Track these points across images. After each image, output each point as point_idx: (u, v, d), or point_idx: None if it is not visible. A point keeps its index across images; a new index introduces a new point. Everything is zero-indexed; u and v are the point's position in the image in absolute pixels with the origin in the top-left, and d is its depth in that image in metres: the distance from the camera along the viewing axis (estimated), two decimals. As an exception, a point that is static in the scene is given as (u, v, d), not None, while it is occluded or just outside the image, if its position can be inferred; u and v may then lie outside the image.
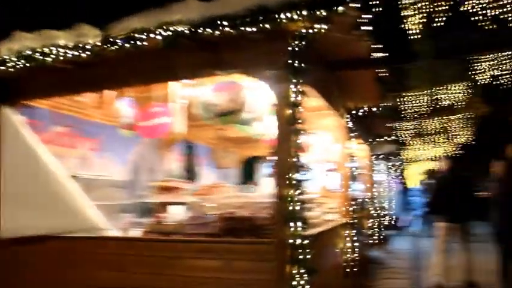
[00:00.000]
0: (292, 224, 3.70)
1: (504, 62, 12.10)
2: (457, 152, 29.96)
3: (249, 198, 4.72)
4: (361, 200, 10.24)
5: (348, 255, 7.05)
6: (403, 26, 8.78)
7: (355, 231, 7.13)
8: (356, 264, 7.33)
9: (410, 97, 16.87)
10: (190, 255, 4.20)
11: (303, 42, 3.96)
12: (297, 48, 3.94)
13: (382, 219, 14.03)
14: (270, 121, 5.83)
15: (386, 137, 10.72)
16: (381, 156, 13.61)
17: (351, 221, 7.13)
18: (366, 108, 7.42)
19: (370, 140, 10.60)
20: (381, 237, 12.73)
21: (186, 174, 8.29)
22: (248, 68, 4.18)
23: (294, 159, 3.81)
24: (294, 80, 3.90)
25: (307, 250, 3.72)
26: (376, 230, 12.31)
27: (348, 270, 6.96)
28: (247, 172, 9.51)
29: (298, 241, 3.69)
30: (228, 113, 4.80)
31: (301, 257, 3.70)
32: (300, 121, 3.87)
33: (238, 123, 5.28)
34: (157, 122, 5.29)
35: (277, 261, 3.76)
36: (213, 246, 4.14)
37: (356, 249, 7.14)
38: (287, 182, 3.78)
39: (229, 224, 4.19)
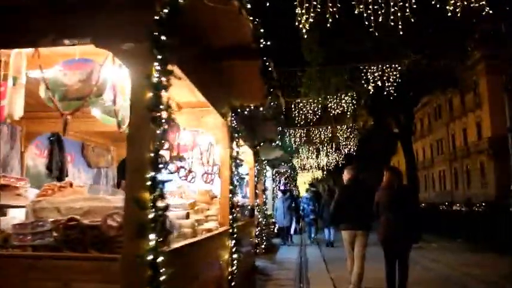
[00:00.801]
0: (149, 237, 2.91)
1: (389, 72, 12.37)
2: (344, 162, 31.04)
3: (104, 202, 3.82)
4: (247, 207, 9.72)
5: (230, 267, 6.42)
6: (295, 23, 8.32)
7: (235, 240, 6.50)
8: (238, 277, 6.72)
9: (300, 103, 16.80)
10: (15, 273, 3.24)
11: (173, 12, 3.22)
12: (165, 19, 3.19)
13: (270, 227, 13.71)
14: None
15: (274, 142, 10.31)
16: (267, 162, 13.23)
17: (232, 230, 6.50)
18: (252, 108, 6.82)
19: (256, 143, 10.13)
20: (268, 246, 12.34)
21: (50, 172, 7.17)
22: (102, 38, 3.32)
23: (153, 154, 3.02)
24: (160, 57, 3.13)
25: (165, 269, 2.96)
26: (264, 238, 11.90)
27: (230, 283, 6.32)
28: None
29: (155, 257, 2.91)
30: (81, 98, 3.86)
31: (160, 277, 2.93)
32: (162, 108, 3.10)
33: (101, 111, 4.35)
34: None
35: (125, 283, 2.94)
36: (45, 263, 3.21)
37: (237, 260, 6.51)
38: (142, 182, 2.98)
39: (70, 234, 3.27)
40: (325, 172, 40.65)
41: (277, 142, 10.25)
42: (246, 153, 10.04)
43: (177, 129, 6.10)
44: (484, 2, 8.39)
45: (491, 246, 12.64)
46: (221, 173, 6.75)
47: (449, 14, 8.39)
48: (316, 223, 16.75)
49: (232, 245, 6.49)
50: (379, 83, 12.41)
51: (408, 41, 12.47)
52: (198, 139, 7.45)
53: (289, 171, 21.21)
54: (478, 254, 12.27)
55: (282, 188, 16.62)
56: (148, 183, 2.97)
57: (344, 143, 25.49)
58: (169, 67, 3.23)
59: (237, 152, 6.74)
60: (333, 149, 28.24)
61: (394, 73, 12.40)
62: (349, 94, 15.85)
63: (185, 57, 4.03)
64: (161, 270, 2.92)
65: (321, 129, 22.24)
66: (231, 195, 6.57)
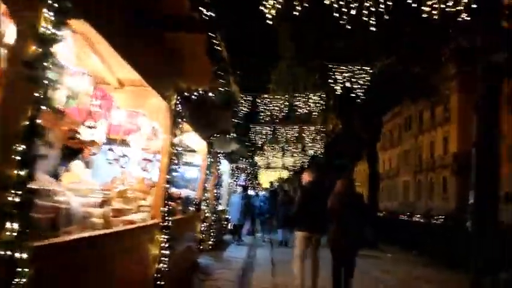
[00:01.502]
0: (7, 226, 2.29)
1: (359, 74, 11.90)
2: (308, 164, 30.65)
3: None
4: (192, 200, 9.12)
5: (158, 264, 5.81)
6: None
7: (167, 235, 5.90)
8: (169, 275, 6.13)
9: (267, 99, 16.24)
10: None
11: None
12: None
13: (222, 223, 13.11)
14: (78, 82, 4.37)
15: (229, 134, 9.72)
16: (225, 156, 12.63)
17: (165, 223, 5.90)
18: (201, 92, 6.21)
19: (210, 134, 9.54)
20: (217, 243, 11.75)
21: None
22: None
23: (27, 123, 2.39)
24: (51, 2, 2.50)
25: (28, 268, 2.34)
26: (212, 234, 11.31)
27: (157, 281, 5.72)
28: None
29: (13, 253, 2.29)
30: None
31: (19, 278, 2.31)
32: (46, 66, 2.47)
33: None
34: None
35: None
36: None
37: (168, 257, 5.91)
38: (8, 156, 2.35)
39: None
40: (291, 172, 40.34)
41: (232, 134, 9.67)
42: (197, 143, 9.46)
43: (109, 105, 5.44)
44: (461, 7, 7.98)
45: (445, 262, 12.34)
46: (163, 161, 6.12)
47: (425, 16, 7.94)
48: (271, 222, 16.49)
49: (163, 240, 5.89)
50: (348, 84, 11.91)
51: (381, 42, 12.07)
52: (140, 122, 6.80)
53: (249, 167, 20.59)
54: (430, 268, 11.95)
55: (242, 183, 15.97)
56: (18, 158, 2.34)
57: (310, 144, 25.06)
58: (68, 17, 2.62)
59: (180, 140, 6.15)
60: (299, 150, 27.78)
61: (365, 76, 11.95)
62: (317, 94, 15.37)
63: (109, 20, 3.42)
64: (21, 270, 2.30)
65: (287, 128, 21.70)
66: (167, 185, 5.96)
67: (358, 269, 7.15)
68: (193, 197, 8.99)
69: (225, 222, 13.70)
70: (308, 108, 15.77)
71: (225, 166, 12.93)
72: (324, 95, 15.37)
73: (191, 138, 9.40)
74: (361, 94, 12.09)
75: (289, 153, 28.83)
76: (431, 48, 13.51)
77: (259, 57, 16.98)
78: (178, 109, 6.03)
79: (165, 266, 5.88)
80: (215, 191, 11.70)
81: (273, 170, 38.38)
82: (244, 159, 16.43)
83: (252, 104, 16.07)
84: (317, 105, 15.58)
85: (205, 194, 10.35)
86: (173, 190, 7.68)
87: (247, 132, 21.27)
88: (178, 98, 6.06)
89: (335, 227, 6.85)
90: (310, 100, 15.43)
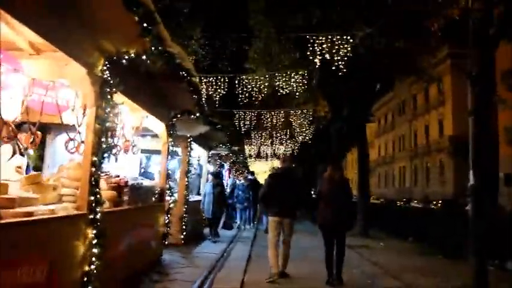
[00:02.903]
0: None
1: (340, 45, 10.65)
2: (296, 150, 29.57)
3: None
4: (152, 190, 8.05)
5: (91, 266, 4.76)
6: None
7: (97, 230, 4.82)
8: (107, 277, 5.08)
9: (246, 80, 15.05)
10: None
11: None
12: None
13: (195, 216, 11.96)
14: None
15: (194, 115, 8.58)
16: (197, 142, 11.50)
17: (93, 216, 4.82)
18: (132, 55, 5.08)
19: (169, 115, 8.43)
20: (190, 237, 10.65)
21: None
22: None
23: None
24: None
25: None
26: (184, 228, 10.24)
27: (84, 286, 4.66)
28: None
29: None
30: None
31: None
32: None
33: None
34: None
35: None
36: None
37: (98, 257, 4.84)
38: None
39: None
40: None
41: (197, 114, 8.53)
42: (158, 126, 8.38)
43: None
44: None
45: (442, 249, 11.28)
46: (87, 142, 5.01)
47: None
48: (249, 211, 17.01)
49: (92, 236, 4.82)
50: (327, 56, 10.65)
51: (360, 10, 10.94)
52: (67, 95, 5.70)
53: (231, 154, 19.36)
54: (426, 257, 10.88)
55: (211, 170, 14.48)
56: None
57: (298, 130, 23.94)
58: None
59: (109, 113, 5.04)
60: (287, 137, 26.66)
61: (346, 47, 10.75)
62: (299, 73, 14.19)
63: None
64: None
65: (272, 113, 20.53)
66: (93, 168, 4.87)
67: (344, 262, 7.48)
68: (150, 186, 7.91)
69: (204, 215, 12.48)
70: (290, 89, 14.53)
71: (195, 152, 11.69)
72: (306, 74, 14.17)
73: (151, 121, 8.34)
74: (343, 67, 10.88)
75: (278, 141, 27.70)
76: (417, 19, 12.37)
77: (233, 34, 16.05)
78: (106, 77, 4.93)
79: (96, 267, 4.82)
80: (185, 179, 10.58)
81: (264, 159, 37.29)
82: (223, 146, 15.18)
83: (230, 86, 14.95)
84: (300, 85, 14.37)
85: (171, 182, 9.27)
86: (114, 176, 6.64)
87: (228, 116, 20.30)
88: (106, 63, 4.96)
89: (323, 206, 7.50)
90: (291, 80, 14.22)
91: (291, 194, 7.71)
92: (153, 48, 4.84)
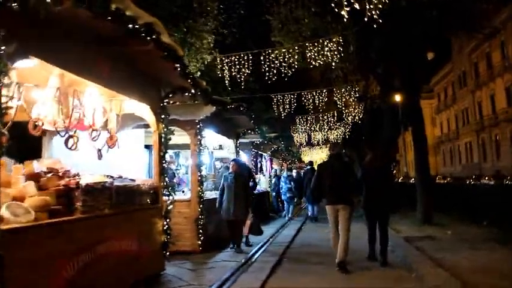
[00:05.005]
0: None
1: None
2: (347, 134, 27.20)
3: None
4: (142, 190, 6.36)
5: None
6: None
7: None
8: None
9: (274, 56, 13.10)
10: None
11: None
12: None
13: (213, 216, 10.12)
14: None
15: (188, 92, 6.77)
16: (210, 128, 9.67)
17: None
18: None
19: (156, 95, 6.70)
20: (210, 241, 8.88)
21: None
22: None
23: None
24: None
25: None
26: (201, 231, 8.53)
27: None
28: None
29: None
30: None
31: None
32: None
33: None
34: None
35: None
36: None
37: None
38: None
39: None
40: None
41: (191, 91, 6.73)
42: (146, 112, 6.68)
43: None
44: None
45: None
46: None
47: None
48: (294, 201, 16.82)
49: None
50: (356, 5, 8.35)
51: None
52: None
53: (265, 142, 17.29)
54: (508, 248, 8.59)
55: (227, 163, 11.55)
56: None
57: (346, 111, 21.67)
58: None
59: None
60: (335, 119, 24.30)
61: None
62: (333, 40, 12.05)
63: None
64: None
65: (314, 93, 18.37)
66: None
67: (399, 262, 7.57)
68: (137, 184, 6.20)
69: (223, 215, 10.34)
70: (324, 60, 12.39)
71: (210, 143, 9.80)
72: (341, 39, 12.01)
73: (135, 105, 6.65)
74: (380, 20, 8.63)
75: (326, 125, 25.32)
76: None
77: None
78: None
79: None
80: (197, 174, 8.79)
81: (318, 147, 35.09)
82: (251, 132, 13.16)
83: (255, 64, 13.06)
84: (335, 53, 12.23)
85: (173, 180, 7.53)
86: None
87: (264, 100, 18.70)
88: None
89: (366, 191, 7.96)
90: (323, 48, 12.09)
91: (341, 181, 7.48)
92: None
